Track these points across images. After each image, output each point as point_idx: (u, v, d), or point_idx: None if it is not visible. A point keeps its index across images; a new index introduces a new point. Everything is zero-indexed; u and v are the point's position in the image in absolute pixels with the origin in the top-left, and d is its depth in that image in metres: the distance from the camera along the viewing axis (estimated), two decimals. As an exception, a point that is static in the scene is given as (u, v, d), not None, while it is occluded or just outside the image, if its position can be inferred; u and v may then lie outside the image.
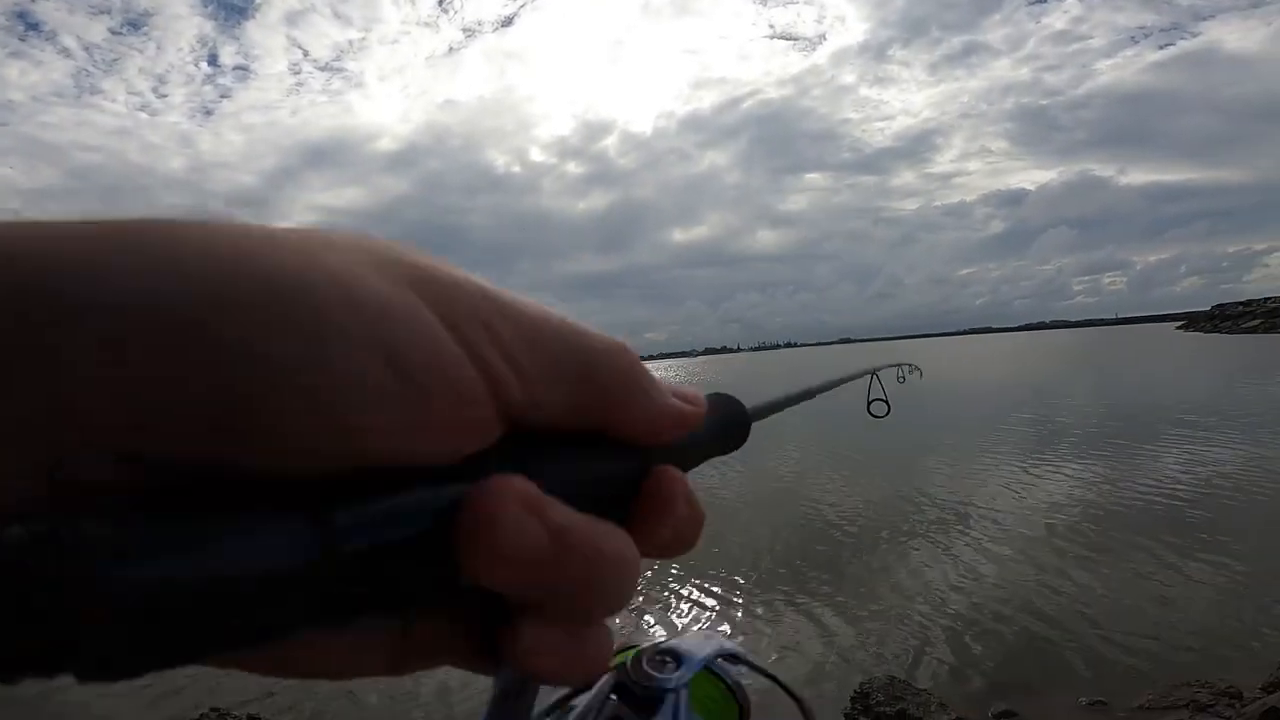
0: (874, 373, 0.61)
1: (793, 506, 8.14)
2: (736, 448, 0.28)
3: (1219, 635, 4.08)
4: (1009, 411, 14.99)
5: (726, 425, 0.27)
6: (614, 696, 0.36)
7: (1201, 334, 60.00)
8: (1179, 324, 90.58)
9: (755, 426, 0.30)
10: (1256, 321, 55.38)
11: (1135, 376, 23.46)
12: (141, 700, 3.87)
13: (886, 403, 0.61)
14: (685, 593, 5.53)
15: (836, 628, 4.59)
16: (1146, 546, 5.63)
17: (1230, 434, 10.15)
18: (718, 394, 0.28)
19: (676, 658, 0.37)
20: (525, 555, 0.15)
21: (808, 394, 0.45)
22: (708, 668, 0.40)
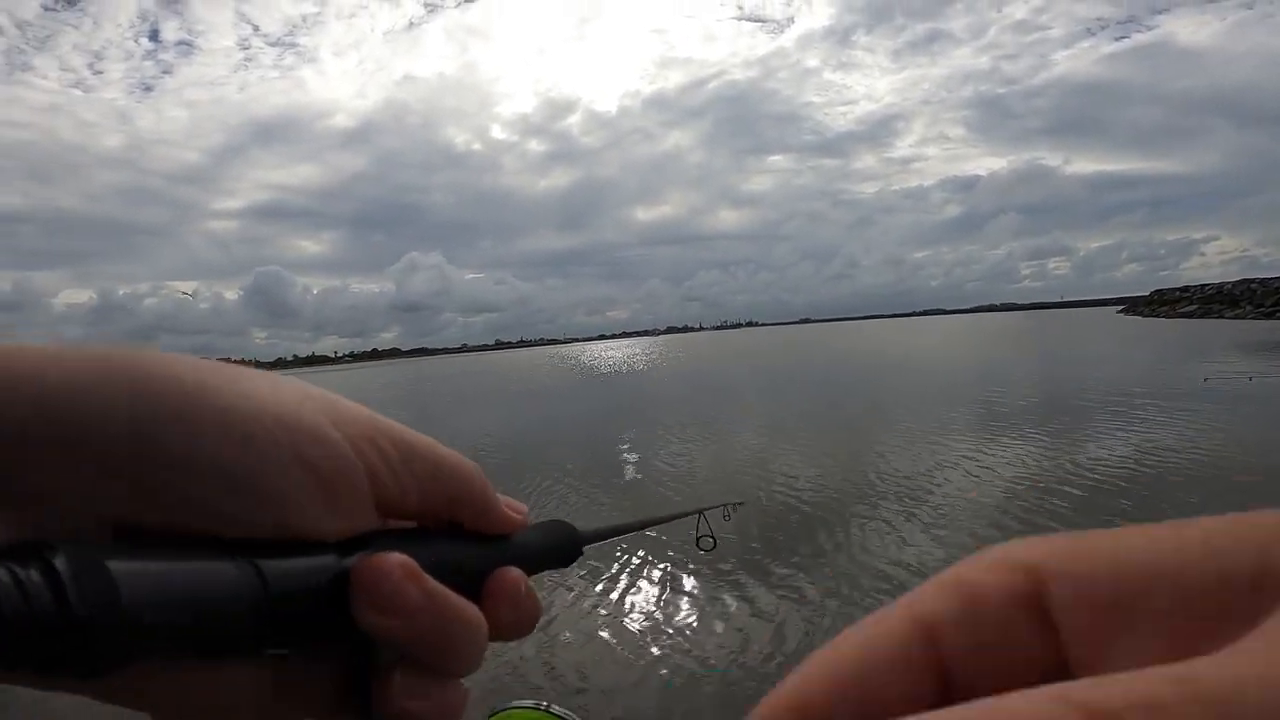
0: (701, 512, 0.58)
1: (746, 484, 7.95)
2: (569, 564, 0.35)
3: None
4: (965, 391, 15.11)
5: (561, 543, 0.34)
6: None
7: (1140, 317, 62.47)
8: (1120, 308, 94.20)
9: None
10: (1192, 307, 57.78)
11: (1087, 358, 24.10)
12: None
13: (713, 538, 0.57)
14: (634, 565, 5.23)
15: (797, 601, 4.40)
16: (1081, 520, 5.53)
17: (1168, 413, 10.32)
18: (556, 520, 0.35)
19: None
20: (405, 608, 0.21)
21: (639, 526, 0.49)
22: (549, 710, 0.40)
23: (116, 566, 0.16)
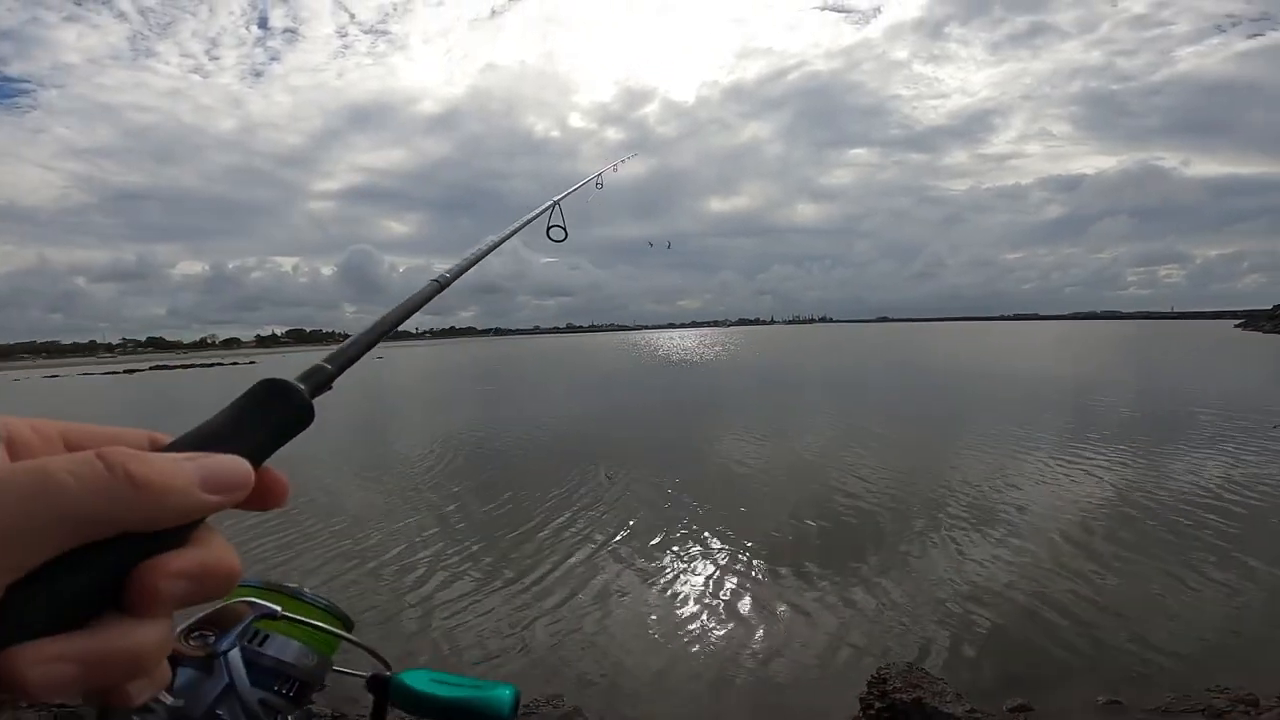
0: (556, 202, 0.76)
1: (814, 485, 8.12)
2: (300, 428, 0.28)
3: (1239, 641, 4.05)
4: (1051, 402, 14.64)
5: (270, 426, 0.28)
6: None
7: (1260, 334, 57.09)
8: (1238, 322, 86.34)
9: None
10: (1323, 324, 52.20)
11: (1198, 377, 22.51)
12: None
13: (564, 229, 0.74)
14: (705, 566, 5.70)
15: (855, 610, 4.65)
16: (1172, 548, 5.55)
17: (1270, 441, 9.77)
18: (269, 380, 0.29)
19: (215, 628, 0.44)
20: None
21: (487, 250, 0.50)
22: (298, 598, 0.48)
23: None
